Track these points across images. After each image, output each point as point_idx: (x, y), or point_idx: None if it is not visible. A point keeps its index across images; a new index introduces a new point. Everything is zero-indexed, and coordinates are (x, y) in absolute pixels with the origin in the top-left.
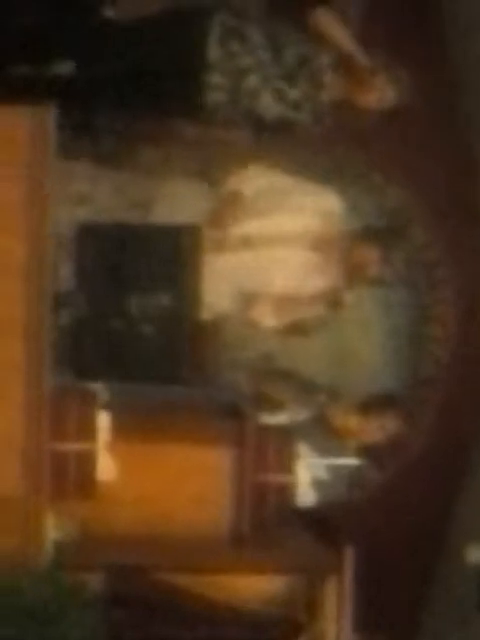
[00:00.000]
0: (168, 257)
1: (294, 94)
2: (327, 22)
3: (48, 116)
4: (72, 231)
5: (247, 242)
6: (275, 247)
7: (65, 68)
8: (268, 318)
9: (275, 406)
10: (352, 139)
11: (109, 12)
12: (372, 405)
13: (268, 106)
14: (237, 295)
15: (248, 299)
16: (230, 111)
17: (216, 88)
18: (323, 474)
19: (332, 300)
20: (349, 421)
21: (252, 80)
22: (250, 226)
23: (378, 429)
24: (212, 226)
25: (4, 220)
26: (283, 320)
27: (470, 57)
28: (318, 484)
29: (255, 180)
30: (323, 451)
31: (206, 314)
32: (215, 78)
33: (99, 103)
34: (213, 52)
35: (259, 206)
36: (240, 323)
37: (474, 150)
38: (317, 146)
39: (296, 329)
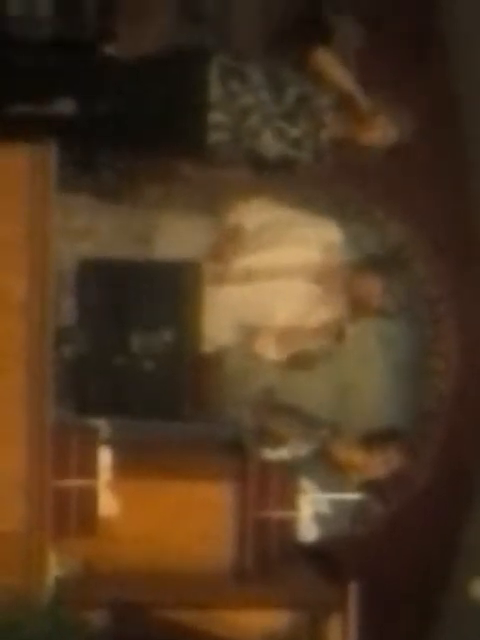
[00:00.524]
0: (169, 293)
1: (294, 133)
2: (326, 62)
3: (49, 154)
4: (73, 267)
5: (249, 275)
6: (277, 280)
7: (66, 106)
8: (271, 351)
9: (277, 441)
10: (353, 175)
11: (109, 49)
12: (375, 439)
13: (269, 145)
14: (239, 328)
15: (250, 332)
16: (231, 150)
17: (218, 127)
18: (326, 509)
19: (335, 332)
20: (353, 456)
21: (253, 119)
22: (252, 259)
23: (382, 464)
24: (214, 260)
25: (5, 257)
26: (285, 353)
27: (472, 91)
28: (321, 519)
29: (257, 214)
30: (326, 486)
31: (208, 347)
32: (217, 117)
33: (100, 141)
34: (215, 92)
35: (260, 239)
36: (242, 356)
37: (475, 184)
38: (318, 183)
39: (297, 363)
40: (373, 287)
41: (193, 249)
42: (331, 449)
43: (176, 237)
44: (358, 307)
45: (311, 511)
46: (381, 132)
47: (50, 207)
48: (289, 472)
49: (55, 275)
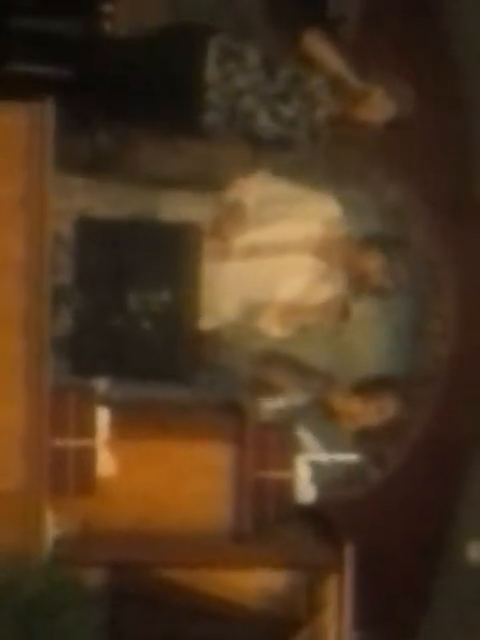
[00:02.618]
0: (168, 253)
1: (288, 112)
2: (316, 45)
3: (46, 112)
4: (71, 226)
5: (252, 251)
6: (280, 255)
7: (64, 72)
8: (274, 328)
9: (273, 391)
10: (352, 142)
11: (108, 8)
12: (371, 386)
13: (265, 125)
14: (243, 305)
15: (254, 309)
16: (227, 130)
17: (213, 108)
18: (324, 470)
19: (339, 310)
20: (349, 404)
21: (248, 101)
22: (254, 235)
23: (377, 412)
24: (214, 236)
25: (3, 216)
26: (289, 329)
27: (471, 54)
28: (318, 480)
29: (256, 189)
30: (321, 436)
31: (211, 323)
32: (212, 98)
33: (97, 102)
34: (211, 72)
35: (261, 215)
36: (246, 333)
37: (475, 147)
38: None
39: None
40: (375, 265)
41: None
42: (327, 398)
43: (176, 214)
44: (358, 283)
45: (308, 472)
46: (376, 108)
47: (48, 166)
48: (287, 432)
49: (53, 234)
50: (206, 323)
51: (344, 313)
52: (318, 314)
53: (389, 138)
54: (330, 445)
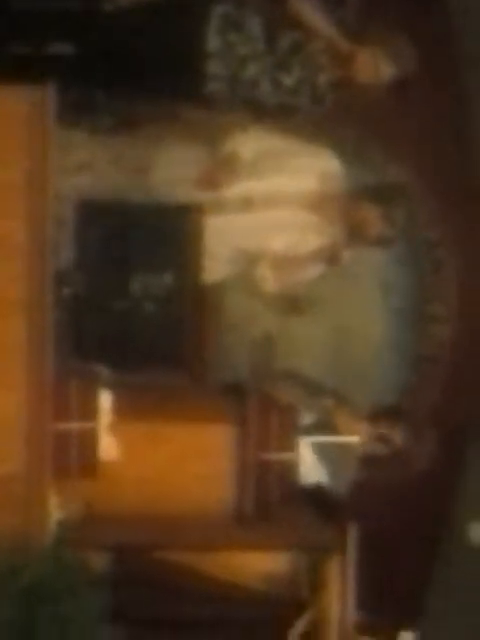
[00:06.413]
0: (169, 235)
1: (290, 81)
2: (301, 8)
3: (47, 96)
4: (73, 209)
5: (246, 204)
6: (274, 208)
7: (64, 47)
8: (269, 281)
9: None
10: (352, 118)
11: (108, 6)
12: (381, 416)
13: (268, 94)
14: (237, 257)
15: (248, 261)
16: (229, 99)
17: (215, 78)
18: (326, 452)
19: (330, 256)
20: (357, 431)
21: (251, 69)
22: (248, 187)
23: (385, 442)
24: (206, 185)
25: (4, 201)
26: (283, 283)
27: (473, 31)
28: (321, 461)
29: (254, 142)
30: (327, 459)
31: (207, 277)
32: (214, 68)
33: (98, 82)
34: (212, 42)
35: (257, 167)
36: (240, 287)
37: (474, 126)
38: (317, 126)
39: (293, 307)
40: (370, 215)
41: (191, 177)
42: (336, 422)
43: (174, 166)
44: (355, 234)
45: (311, 454)
46: (373, 68)
47: (49, 150)
48: (290, 414)
49: (54, 219)
50: (207, 276)
51: (333, 258)
52: (310, 263)
53: (390, 116)
54: (335, 469)
